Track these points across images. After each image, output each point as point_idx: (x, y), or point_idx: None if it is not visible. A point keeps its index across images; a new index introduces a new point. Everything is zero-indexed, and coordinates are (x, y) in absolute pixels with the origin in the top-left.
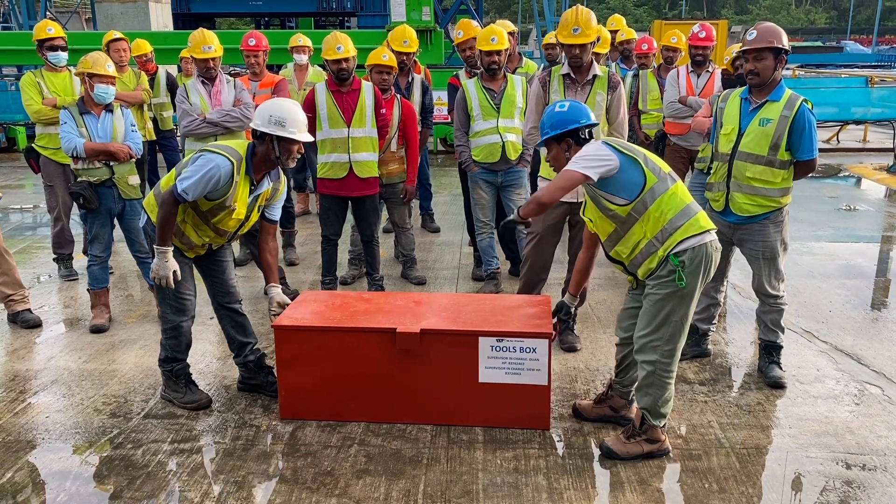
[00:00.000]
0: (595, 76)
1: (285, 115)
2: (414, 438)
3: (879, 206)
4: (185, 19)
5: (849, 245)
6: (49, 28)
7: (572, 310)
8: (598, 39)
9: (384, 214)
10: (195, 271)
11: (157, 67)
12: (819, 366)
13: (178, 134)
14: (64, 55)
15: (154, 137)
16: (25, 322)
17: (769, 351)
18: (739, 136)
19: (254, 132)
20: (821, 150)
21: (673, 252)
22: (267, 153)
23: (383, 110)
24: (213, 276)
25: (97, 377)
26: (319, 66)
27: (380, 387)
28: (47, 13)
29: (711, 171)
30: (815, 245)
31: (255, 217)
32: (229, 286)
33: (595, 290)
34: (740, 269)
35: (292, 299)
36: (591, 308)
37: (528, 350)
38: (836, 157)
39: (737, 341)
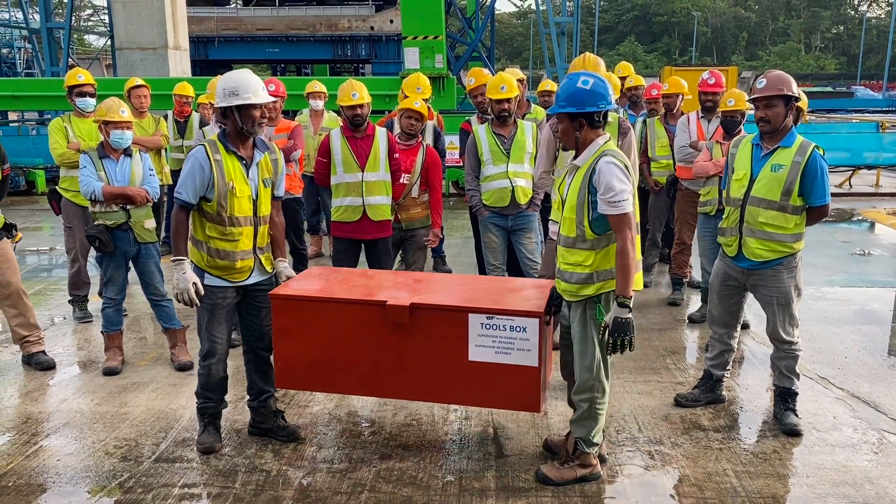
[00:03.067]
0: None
1: (237, 84)
2: (425, 486)
3: (894, 250)
4: (204, 66)
5: (864, 290)
6: (80, 75)
7: (561, 297)
8: None
9: (397, 257)
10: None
11: (192, 111)
12: (836, 413)
13: None
14: (92, 101)
15: (171, 182)
16: (39, 364)
17: (784, 397)
18: (751, 181)
19: (220, 111)
20: (833, 195)
21: (605, 291)
22: (234, 126)
23: (396, 155)
24: (250, 318)
25: (109, 420)
26: (334, 111)
27: (371, 360)
28: (69, 60)
29: (724, 216)
30: (830, 290)
31: (265, 195)
32: (263, 332)
33: None
34: (754, 315)
35: None
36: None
37: (518, 329)
38: (849, 202)
39: (752, 388)
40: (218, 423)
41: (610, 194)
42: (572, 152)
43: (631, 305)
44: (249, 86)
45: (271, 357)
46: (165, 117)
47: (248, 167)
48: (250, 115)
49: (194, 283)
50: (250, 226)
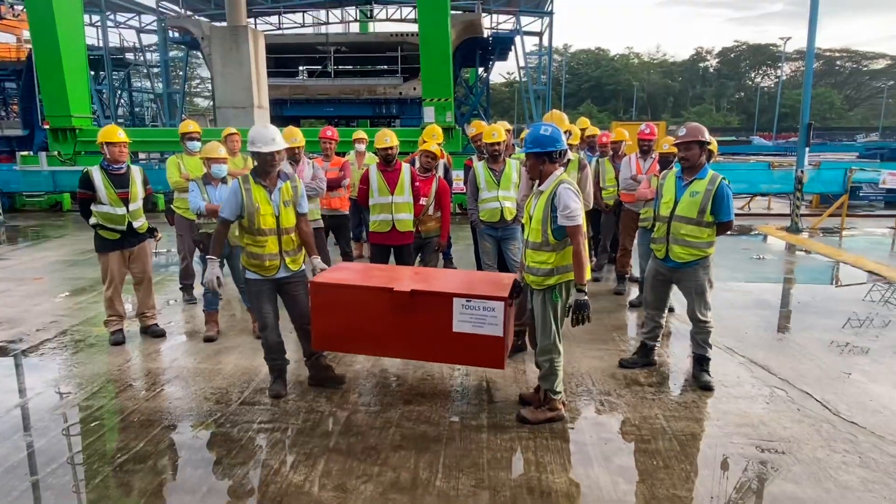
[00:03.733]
0: (569, 160)
1: (254, 136)
2: (437, 423)
3: (781, 256)
4: (279, 120)
5: (759, 284)
6: (190, 126)
7: (522, 284)
8: (569, 133)
9: (417, 258)
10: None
11: None
12: (738, 374)
13: None
14: (198, 144)
15: None
16: (154, 333)
17: (700, 362)
18: (675, 203)
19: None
20: (736, 215)
21: (563, 281)
22: (256, 165)
23: (417, 184)
24: (290, 304)
25: (206, 374)
26: (373, 152)
27: (382, 330)
28: (183, 115)
29: (655, 229)
30: (734, 284)
31: (287, 212)
32: (303, 312)
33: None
34: (677, 301)
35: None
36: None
37: (489, 309)
38: (748, 220)
39: (676, 354)
40: (284, 376)
41: (567, 211)
42: None
43: (586, 291)
44: (263, 138)
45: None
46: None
47: (270, 192)
48: (263, 158)
49: (217, 277)
50: (274, 235)
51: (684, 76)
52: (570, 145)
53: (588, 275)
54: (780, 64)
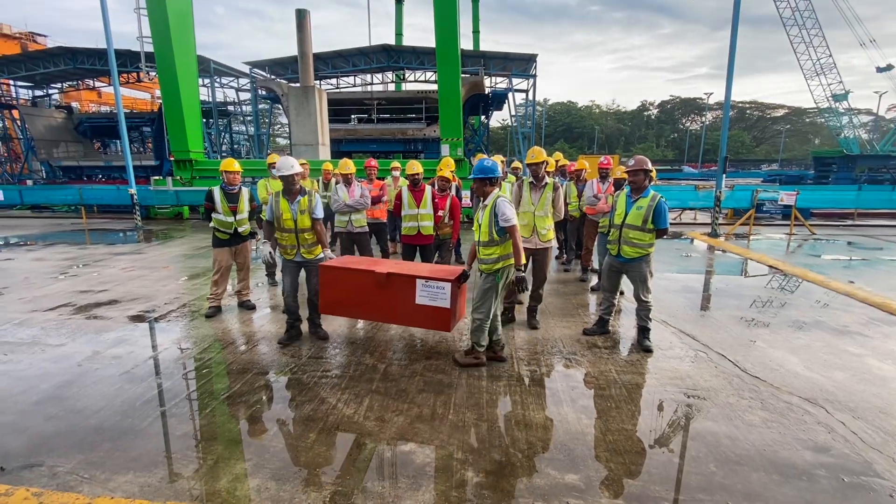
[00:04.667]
0: (546, 183)
1: (280, 164)
2: (449, 373)
3: (703, 254)
4: (336, 154)
5: (687, 275)
6: (274, 158)
7: (468, 273)
8: (545, 164)
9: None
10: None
11: (331, 178)
12: (671, 340)
13: (332, 210)
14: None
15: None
16: (247, 306)
17: (643, 332)
18: (626, 215)
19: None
20: (671, 223)
21: (506, 266)
22: (286, 186)
23: (436, 200)
24: (308, 281)
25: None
26: (404, 177)
27: (368, 301)
28: (269, 150)
29: (610, 234)
30: (669, 274)
31: (303, 218)
32: (313, 288)
33: (548, 296)
34: (626, 286)
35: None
36: (545, 306)
37: (440, 288)
38: (680, 228)
39: (625, 326)
40: (297, 332)
41: (504, 217)
42: (528, 199)
43: (523, 270)
44: (285, 165)
45: (317, 299)
46: (317, 181)
47: (291, 203)
48: (284, 179)
49: (270, 252)
50: (292, 233)
51: (633, 122)
52: (548, 172)
53: (523, 259)
54: (704, 112)
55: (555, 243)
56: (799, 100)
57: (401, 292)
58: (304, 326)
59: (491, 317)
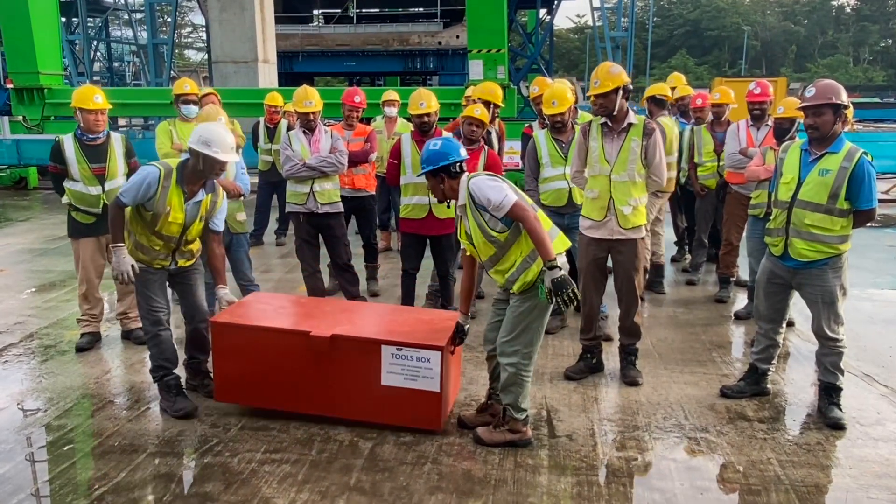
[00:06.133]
0: (630, 124)
1: (212, 137)
2: (483, 460)
3: None
4: (289, 78)
5: None
6: (186, 85)
7: (466, 328)
8: (621, 90)
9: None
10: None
11: (280, 119)
12: (879, 409)
13: (283, 176)
14: (195, 108)
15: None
16: (138, 339)
17: (829, 392)
18: (799, 185)
19: (189, 149)
20: (880, 201)
21: (539, 267)
22: (195, 166)
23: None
24: (182, 294)
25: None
26: (406, 118)
27: (297, 381)
28: (171, 72)
29: (771, 219)
30: (876, 292)
31: (197, 226)
32: (195, 305)
33: (654, 328)
34: (799, 313)
35: None
36: (653, 346)
37: (423, 360)
38: (895, 208)
39: (796, 382)
40: (182, 391)
41: (494, 203)
42: (601, 154)
43: (559, 265)
44: (222, 143)
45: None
46: (257, 124)
47: (187, 199)
48: (212, 164)
49: (132, 266)
50: (171, 243)
51: (812, 18)
52: (661, 104)
53: (552, 248)
54: None
55: (647, 232)
56: None
57: (355, 367)
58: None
59: (535, 359)
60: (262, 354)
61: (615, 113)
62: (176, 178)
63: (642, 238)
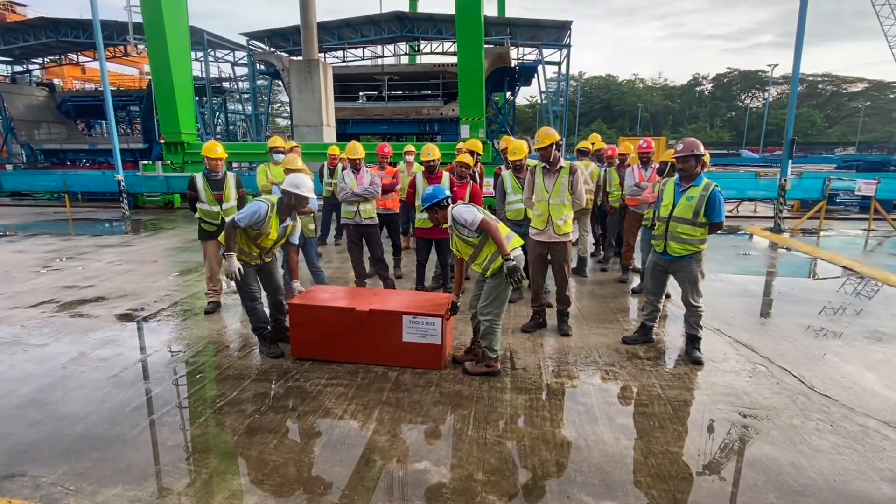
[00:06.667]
0: (561, 167)
1: (299, 182)
2: (469, 384)
3: (764, 252)
4: (343, 137)
5: (744, 276)
6: (276, 141)
7: (458, 304)
8: (555, 145)
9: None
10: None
11: (337, 163)
12: (725, 351)
13: (339, 200)
14: (282, 156)
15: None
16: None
17: (692, 340)
18: (674, 206)
19: (283, 190)
20: (727, 217)
21: (505, 257)
22: (288, 202)
23: (455, 189)
24: (265, 279)
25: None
26: (419, 162)
27: (347, 340)
28: (267, 132)
29: (655, 228)
30: (724, 276)
31: (281, 241)
32: (275, 286)
33: (580, 299)
34: (673, 289)
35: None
36: (579, 310)
37: (430, 324)
38: (737, 221)
39: (671, 334)
40: (273, 341)
41: (468, 222)
42: (542, 186)
43: (512, 258)
44: (306, 186)
45: (283, 297)
46: (322, 166)
47: (281, 223)
48: (300, 201)
49: (239, 269)
50: (264, 251)
51: (683, 98)
52: (587, 153)
53: (507, 247)
54: (767, 87)
55: (573, 236)
56: (881, 72)
57: (385, 330)
58: None
59: (503, 317)
60: (324, 324)
61: (551, 159)
62: (277, 210)
63: (570, 241)
